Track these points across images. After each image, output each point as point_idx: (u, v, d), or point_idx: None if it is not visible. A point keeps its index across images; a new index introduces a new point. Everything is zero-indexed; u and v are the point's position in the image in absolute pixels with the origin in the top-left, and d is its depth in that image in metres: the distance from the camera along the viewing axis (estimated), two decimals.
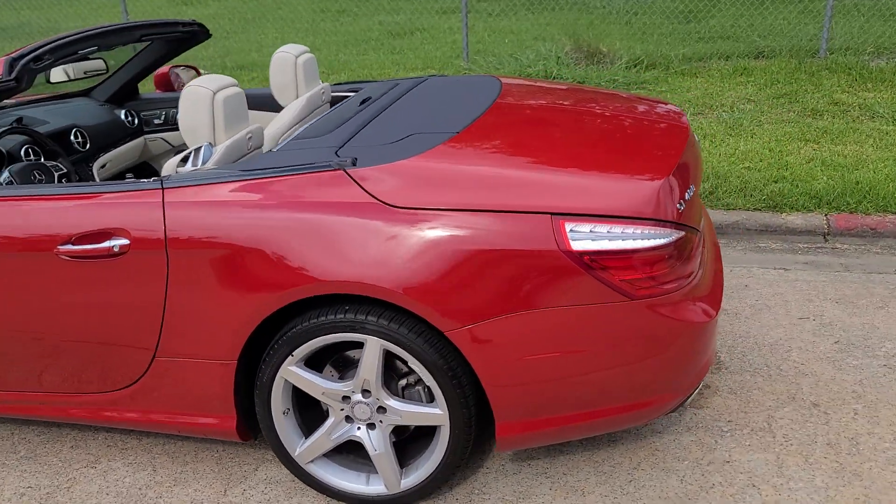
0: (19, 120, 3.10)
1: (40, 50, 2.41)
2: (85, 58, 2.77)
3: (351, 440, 2.24)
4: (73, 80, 3.26)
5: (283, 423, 2.22)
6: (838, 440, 2.46)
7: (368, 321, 2.02)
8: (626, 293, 1.96)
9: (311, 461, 2.26)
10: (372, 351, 2.07)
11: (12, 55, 2.34)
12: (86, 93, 3.66)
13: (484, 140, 2.23)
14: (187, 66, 3.83)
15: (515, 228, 1.94)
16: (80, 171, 3.19)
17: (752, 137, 5.21)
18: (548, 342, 1.98)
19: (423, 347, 2.01)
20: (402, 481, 2.21)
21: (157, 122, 3.68)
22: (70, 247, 2.13)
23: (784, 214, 4.18)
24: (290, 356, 2.11)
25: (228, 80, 2.42)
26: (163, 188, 2.13)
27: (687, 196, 2.16)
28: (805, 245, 4.00)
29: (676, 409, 2.27)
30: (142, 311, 2.15)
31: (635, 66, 6.87)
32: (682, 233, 2.06)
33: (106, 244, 2.11)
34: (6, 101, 3.35)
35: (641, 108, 2.76)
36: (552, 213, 1.95)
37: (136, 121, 3.65)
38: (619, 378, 2.03)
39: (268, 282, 2.02)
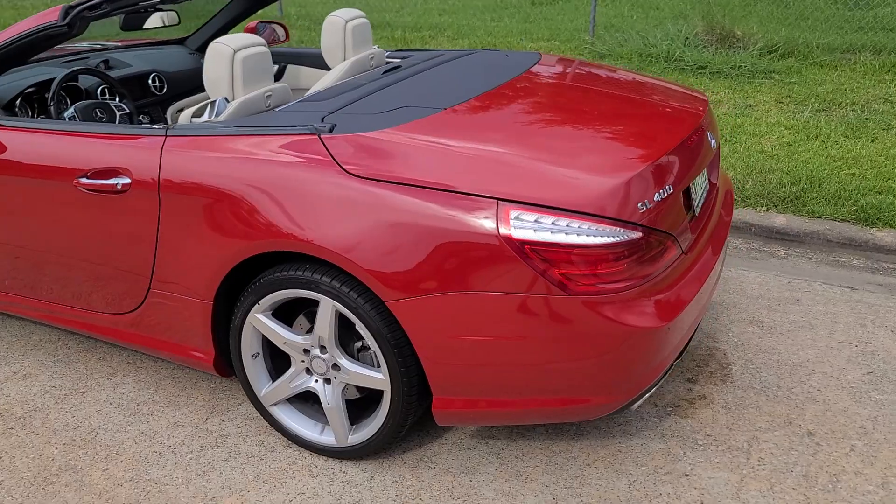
0: (105, 62, 3.44)
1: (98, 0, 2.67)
2: (152, 9, 3.02)
3: (312, 392, 2.38)
4: (167, 26, 3.55)
5: (252, 365, 2.39)
6: (817, 474, 2.30)
7: (322, 281, 2.13)
8: (563, 288, 1.94)
9: (274, 404, 2.42)
10: (325, 310, 2.18)
11: (72, 3, 2.61)
12: (181, 41, 3.98)
13: (466, 119, 2.25)
14: (274, 22, 4.04)
15: (462, 209, 1.97)
16: (154, 113, 3.50)
17: (872, 142, 4.77)
18: (482, 325, 2.00)
19: (370, 314, 2.10)
20: (350, 437, 2.32)
21: None
22: (85, 180, 2.39)
23: (874, 229, 3.84)
24: (257, 304, 2.27)
25: (255, 39, 2.58)
26: (166, 136, 2.32)
27: (662, 194, 2.08)
28: (891, 266, 3.67)
29: (620, 412, 2.21)
30: (139, 245, 2.38)
31: (770, 53, 6.42)
32: (638, 234, 1.99)
33: (112, 181, 2.35)
34: (107, 44, 3.72)
35: (659, 95, 2.64)
36: (499, 199, 1.96)
37: None
38: (552, 371, 2.02)
39: (238, 232, 2.17)
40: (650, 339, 2.01)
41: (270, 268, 2.25)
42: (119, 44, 3.88)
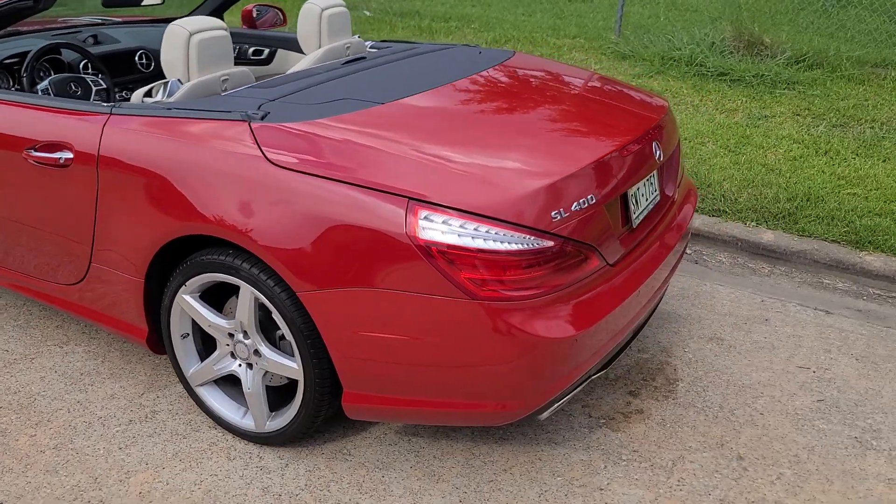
0: (94, 37, 3.51)
1: None
2: None
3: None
4: (160, 4, 3.60)
5: (181, 345, 2.43)
6: (735, 499, 2.25)
7: (242, 268, 2.15)
8: (467, 291, 1.92)
9: (201, 385, 2.45)
10: (245, 296, 2.20)
11: None
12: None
13: (399, 115, 2.24)
14: (272, 6, 4.07)
15: (373, 206, 1.96)
16: (137, 89, 3.55)
17: (883, 161, 4.60)
18: (387, 323, 2.00)
19: (285, 303, 2.11)
20: (268, 423, 2.35)
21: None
22: (34, 152, 2.45)
23: (863, 253, 3.71)
24: (184, 286, 2.30)
25: (215, 22, 2.60)
26: (110, 113, 2.37)
27: (582, 204, 2.04)
28: (877, 292, 3.55)
29: (527, 420, 2.18)
30: (80, 220, 2.43)
31: (797, 63, 6.23)
32: (550, 244, 1.96)
33: (56, 154, 2.40)
34: (106, 19, 3.80)
35: (614, 101, 2.59)
36: (410, 198, 1.95)
37: None
38: (454, 375, 2.01)
39: (167, 213, 2.21)
40: (556, 349, 1.98)
41: (199, 250, 2.28)
42: (118, 20, 3.96)
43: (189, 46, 2.50)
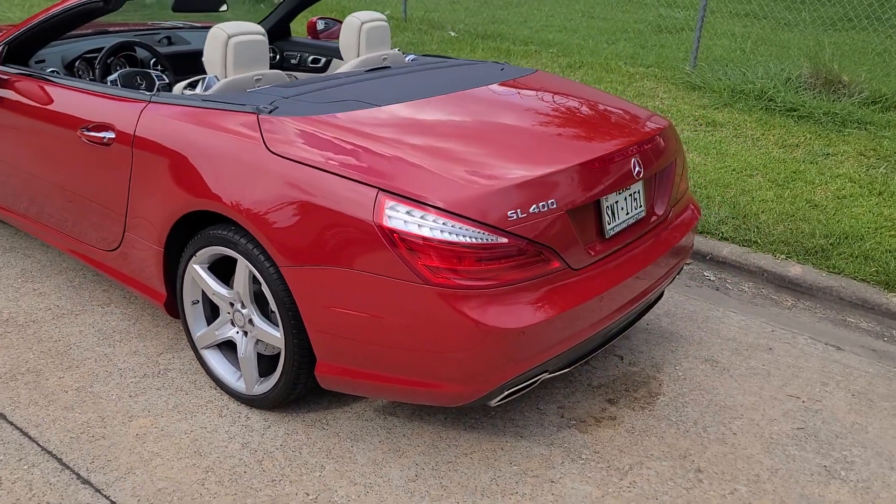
0: (168, 38, 3.92)
1: None
2: None
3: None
4: (225, 10, 3.96)
5: (191, 310, 2.72)
6: None
7: (240, 242, 2.41)
8: (423, 277, 2.11)
9: (205, 347, 2.73)
10: (241, 268, 2.46)
11: None
12: None
13: (389, 117, 2.46)
14: (333, 19, 4.40)
15: (348, 194, 2.18)
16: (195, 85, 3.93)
17: None
18: (353, 301, 2.21)
19: (272, 277, 2.36)
20: (256, 386, 2.59)
21: (293, 61, 4.31)
22: (86, 131, 2.81)
23: (891, 294, 3.64)
24: (195, 256, 2.59)
25: (253, 28, 2.90)
26: (149, 101, 2.70)
27: (542, 208, 2.19)
28: None
29: (478, 404, 2.32)
30: (118, 193, 2.77)
31: (873, 104, 6.07)
32: (504, 240, 2.13)
33: (101, 134, 2.75)
34: (186, 23, 4.22)
35: (607, 118, 2.72)
36: (380, 189, 2.16)
37: (278, 57, 4.32)
38: (410, 354, 2.19)
39: (182, 190, 2.50)
40: (503, 339, 2.12)
41: (209, 226, 2.56)
42: (197, 25, 4.38)
43: (227, 47, 2.81)
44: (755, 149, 5.28)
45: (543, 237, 2.20)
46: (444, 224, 2.09)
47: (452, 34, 8.39)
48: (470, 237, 2.10)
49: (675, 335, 3.29)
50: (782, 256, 3.95)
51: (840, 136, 5.54)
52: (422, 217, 2.10)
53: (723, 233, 4.13)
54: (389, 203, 2.13)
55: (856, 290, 3.69)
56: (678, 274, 3.06)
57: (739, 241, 4.09)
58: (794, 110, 5.94)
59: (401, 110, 2.52)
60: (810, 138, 5.49)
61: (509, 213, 2.14)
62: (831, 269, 3.83)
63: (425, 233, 2.10)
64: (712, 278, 3.91)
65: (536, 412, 2.72)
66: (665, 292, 3.70)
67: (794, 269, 3.86)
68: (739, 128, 5.68)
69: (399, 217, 2.11)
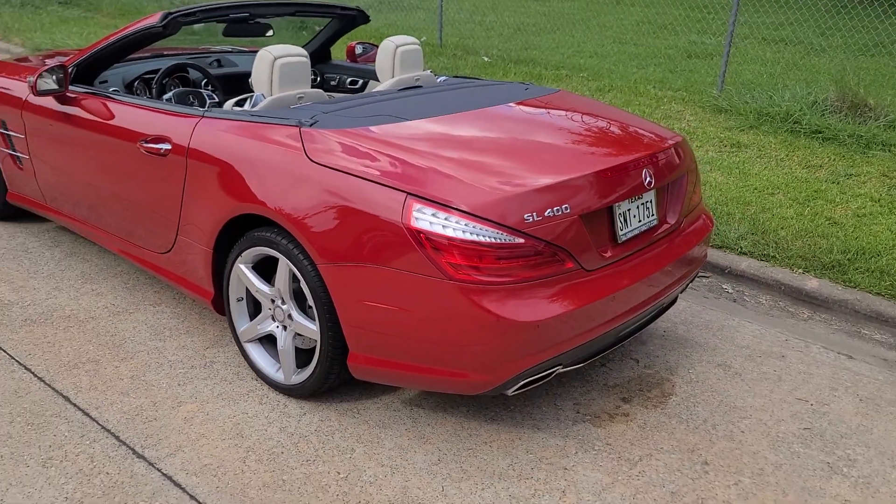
0: (218, 61, 4.23)
1: (194, 9, 3.40)
2: (245, 21, 3.71)
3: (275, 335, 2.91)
4: (271, 35, 4.26)
5: (236, 307, 2.96)
6: (686, 494, 2.47)
7: (281, 243, 2.66)
8: (445, 273, 2.32)
9: (248, 341, 2.97)
10: (282, 267, 2.70)
11: (172, 10, 3.35)
12: None
13: (419, 130, 2.69)
14: (371, 44, 4.67)
15: (379, 198, 2.42)
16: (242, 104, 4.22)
17: None
18: (383, 295, 2.43)
19: (310, 274, 2.59)
20: (293, 377, 2.82)
21: (332, 83, 4.59)
22: (145, 143, 3.10)
23: None
24: (240, 256, 2.84)
25: (297, 51, 3.17)
26: (203, 116, 2.97)
27: (556, 212, 2.40)
28: None
29: (496, 392, 2.50)
30: (172, 199, 3.04)
31: None
32: (521, 240, 2.33)
33: (159, 146, 3.03)
34: (235, 48, 4.54)
35: (623, 132, 2.92)
36: (408, 193, 2.38)
37: (318, 78, 4.61)
38: (434, 343, 2.40)
39: (230, 195, 2.76)
40: (519, 331, 2.32)
41: (253, 228, 2.81)
42: (245, 49, 4.69)
43: (273, 68, 3.08)
44: (778, 169, 5.41)
45: (558, 239, 2.41)
46: (466, 225, 2.31)
47: (486, 59, 8.67)
48: (490, 237, 2.31)
49: (691, 341, 3.45)
50: (800, 270, 4.08)
51: (864, 157, 5.64)
52: (446, 219, 2.32)
53: (742, 248, 4.27)
54: (417, 206, 2.35)
55: (871, 303, 3.81)
56: (692, 281, 3.22)
57: (758, 256, 4.23)
58: (819, 132, 6.06)
59: (428, 124, 2.75)
60: (834, 159, 5.60)
61: (525, 216, 2.35)
62: (847, 283, 3.95)
63: (449, 233, 2.31)
64: (730, 291, 4.06)
65: (553, 407, 2.90)
66: (679, 299, 3.86)
67: (811, 283, 3.99)
68: (764, 149, 5.82)
69: (425, 219, 2.33)
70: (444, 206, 2.34)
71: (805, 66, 8.73)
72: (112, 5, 12.74)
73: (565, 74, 8.05)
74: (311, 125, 2.69)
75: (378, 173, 2.45)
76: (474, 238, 2.31)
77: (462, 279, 2.31)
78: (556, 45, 9.91)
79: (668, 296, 2.90)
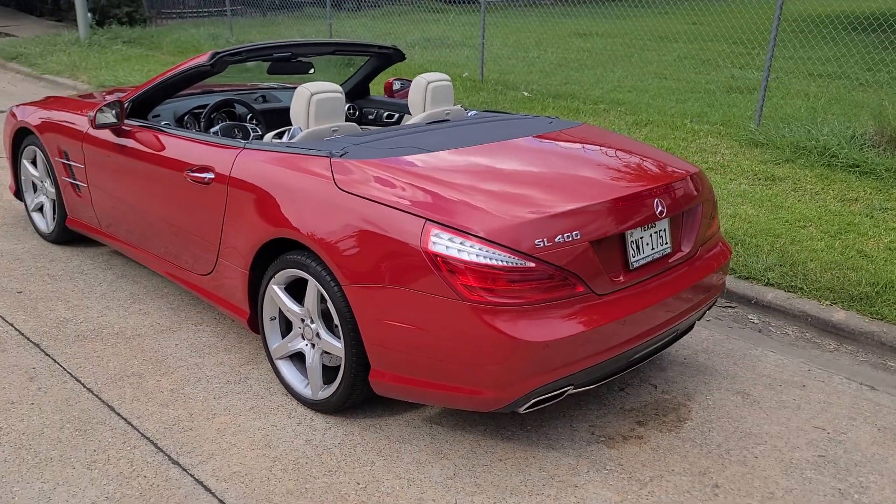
0: (263, 97, 4.49)
1: (240, 48, 3.66)
2: (288, 60, 3.96)
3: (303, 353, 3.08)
4: (312, 73, 4.49)
5: (269, 326, 3.15)
6: None
7: (310, 265, 2.84)
8: (460, 294, 2.47)
9: (279, 358, 3.15)
10: (311, 288, 2.88)
11: (220, 50, 3.61)
12: None
13: (440, 161, 2.87)
14: (406, 79, 4.89)
15: (400, 223, 2.58)
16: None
17: None
18: (402, 314, 2.59)
19: (336, 294, 2.76)
20: (320, 392, 2.98)
21: (370, 117, 4.82)
22: (191, 172, 3.33)
23: None
24: (273, 278, 3.03)
25: (333, 87, 3.39)
26: (244, 147, 3.20)
27: (567, 238, 2.53)
28: None
29: (509, 410, 2.61)
30: (214, 224, 3.26)
31: None
32: (532, 265, 2.47)
33: (204, 175, 3.26)
34: (280, 85, 4.82)
35: (638, 165, 3.04)
36: (427, 219, 2.55)
37: (357, 113, 4.84)
38: (449, 361, 2.54)
39: (266, 220, 2.96)
40: (528, 350, 2.45)
41: (287, 251, 3.00)
42: (289, 85, 4.97)
43: (310, 103, 3.30)
44: (812, 202, 5.43)
45: (568, 264, 2.53)
46: (479, 249, 2.46)
47: (526, 94, 8.86)
48: (502, 261, 2.45)
49: (711, 369, 3.51)
50: (827, 302, 4.11)
51: None
52: (461, 243, 2.47)
53: (769, 279, 4.32)
54: (434, 231, 2.51)
55: None
56: (709, 309, 3.30)
57: (785, 287, 4.26)
58: (857, 166, 6.06)
59: (449, 155, 2.92)
60: (870, 193, 5.60)
61: (537, 241, 2.48)
62: (874, 315, 3.96)
63: (464, 257, 2.46)
64: (756, 321, 4.10)
65: (569, 429, 3.00)
66: (703, 328, 3.92)
67: (838, 315, 4.01)
68: (799, 182, 5.84)
69: (442, 243, 2.49)
70: (460, 231, 2.49)
71: (847, 100, 8.69)
72: (172, 44, 13.37)
73: (603, 109, 8.18)
74: (341, 156, 2.88)
75: (399, 200, 2.62)
76: (487, 262, 2.45)
77: (475, 300, 2.45)
78: (597, 80, 10.05)
79: (682, 322, 2.99)
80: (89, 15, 13.92)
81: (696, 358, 3.62)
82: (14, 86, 10.65)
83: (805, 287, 4.22)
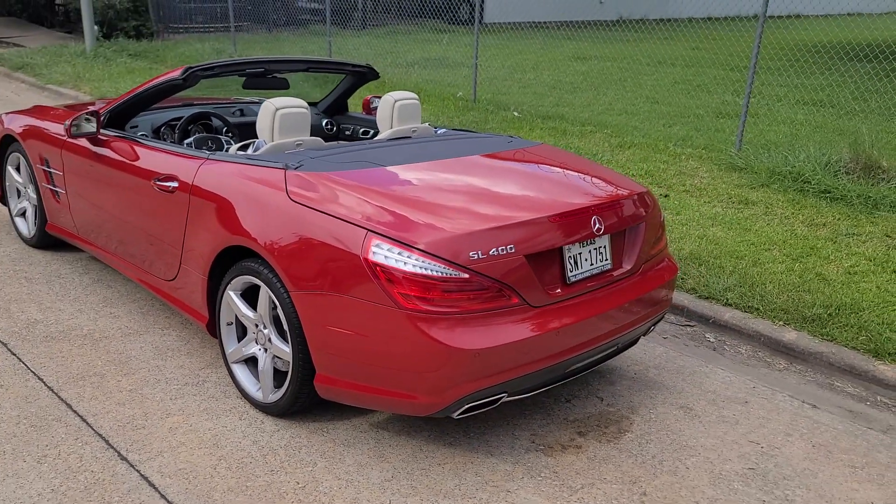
0: (241, 110, 4.64)
1: (214, 64, 3.81)
2: (262, 75, 4.11)
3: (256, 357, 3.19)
4: (287, 89, 4.60)
5: (225, 330, 3.27)
6: None
7: (262, 272, 2.96)
8: (397, 303, 2.59)
9: (235, 362, 3.26)
10: (263, 294, 3.01)
11: (193, 65, 3.76)
12: (314, 104, 5.12)
13: (391, 175, 2.99)
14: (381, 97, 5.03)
15: (344, 234, 2.71)
16: None
17: None
18: (344, 321, 2.70)
19: (285, 301, 2.88)
20: (271, 395, 3.09)
21: (347, 132, 4.96)
22: (158, 182, 3.47)
23: (878, 362, 3.84)
24: (230, 284, 3.15)
25: (298, 102, 3.53)
26: (207, 158, 3.33)
27: (501, 251, 2.65)
28: (884, 400, 3.67)
29: (443, 414, 2.71)
30: (178, 231, 3.39)
31: None
32: (466, 276, 2.59)
33: (168, 184, 3.40)
34: (261, 98, 4.97)
35: (587, 182, 3.17)
36: (369, 230, 2.67)
37: (335, 129, 4.99)
38: (386, 366, 2.65)
39: (222, 227, 3.09)
40: (460, 358, 2.56)
41: (242, 259, 3.13)
42: None
43: (274, 117, 3.43)
44: (780, 226, 5.54)
45: (502, 276, 2.65)
46: (416, 260, 2.58)
47: (516, 114, 9.01)
48: (437, 271, 2.57)
49: (659, 384, 3.61)
50: (780, 323, 4.20)
51: (869, 217, 5.72)
52: (399, 254, 2.59)
53: (727, 299, 4.42)
54: (375, 241, 2.63)
55: (844, 356, 3.90)
56: (654, 324, 3.40)
57: (742, 308, 4.36)
58: (828, 192, 6.17)
59: (401, 170, 3.05)
60: (839, 219, 5.70)
61: (471, 254, 2.60)
62: (825, 337, 4.05)
63: (401, 266, 2.58)
64: (712, 339, 4.20)
65: (510, 437, 3.10)
66: (659, 345, 4.02)
67: (789, 335, 4.10)
68: (771, 206, 5.95)
69: (381, 253, 2.61)
70: (399, 242, 2.61)
71: (831, 128, 8.81)
72: (176, 58, 13.62)
73: (590, 131, 8.32)
74: (296, 168, 3.01)
75: (345, 212, 2.74)
76: (423, 272, 2.57)
77: (410, 308, 2.57)
78: (588, 102, 10.20)
79: (623, 336, 3.09)
80: (96, 27, 14.19)
81: (647, 373, 3.71)
82: (18, 95, 10.88)
83: (761, 308, 4.32)
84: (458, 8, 19.82)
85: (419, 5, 16.19)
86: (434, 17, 17.03)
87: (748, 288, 4.52)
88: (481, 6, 9.78)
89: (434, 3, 15.04)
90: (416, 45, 15.04)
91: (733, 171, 6.85)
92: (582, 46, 16.79)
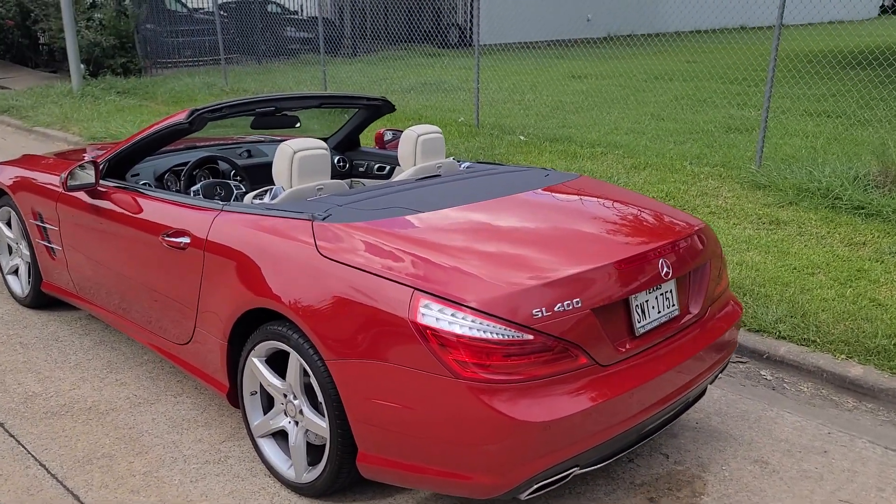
0: (248, 151, 4.33)
1: (221, 105, 3.50)
2: (272, 114, 3.80)
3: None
4: (298, 126, 4.32)
5: (249, 401, 2.93)
6: None
7: (292, 337, 2.63)
8: (452, 371, 2.26)
9: (261, 436, 2.92)
10: (293, 361, 2.67)
11: (198, 107, 3.44)
12: (324, 139, 4.80)
13: (428, 222, 2.68)
14: (397, 130, 4.73)
15: (387, 293, 2.38)
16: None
17: None
18: (390, 392, 2.37)
19: (320, 370, 2.55)
20: (305, 475, 2.75)
21: (360, 169, 4.65)
22: (166, 237, 3.14)
23: None
24: (253, 350, 2.82)
25: (317, 143, 3.21)
26: (221, 210, 3.01)
27: (567, 306, 2.33)
28: None
29: (508, 496, 2.39)
30: (191, 291, 3.06)
31: None
32: (530, 337, 2.26)
33: (179, 239, 3.07)
34: (266, 138, 4.66)
35: (642, 221, 2.86)
36: (416, 289, 2.35)
37: (347, 166, 4.67)
38: (441, 444, 2.31)
39: (244, 288, 2.76)
40: (528, 432, 2.23)
41: (267, 322, 2.79)
42: (277, 138, 4.81)
43: (293, 161, 3.12)
44: (819, 247, 5.24)
45: (569, 334, 2.33)
46: (472, 321, 2.25)
47: (522, 139, 8.74)
48: (497, 334, 2.24)
49: (725, 435, 3.28)
50: (842, 356, 3.89)
51: None
52: (452, 315, 2.27)
53: (780, 331, 4.10)
54: (423, 301, 2.31)
55: None
56: (721, 372, 3.08)
57: (797, 340, 4.05)
58: (862, 208, 5.88)
59: (441, 216, 2.74)
60: (878, 236, 5.41)
61: (534, 311, 2.28)
62: (894, 371, 3.74)
63: (455, 329, 2.26)
64: (769, 377, 3.88)
65: None
66: (714, 387, 3.70)
67: (855, 370, 3.79)
68: (804, 226, 5.66)
69: (432, 314, 2.29)
70: (450, 301, 2.29)
71: (847, 139, 8.57)
72: (166, 93, 13.32)
73: (600, 152, 8.04)
74: (323, 219, 2.69)
75: (385, 268, 2.42)
76: (481, 335, 2.24)
77: (469, 377, 2.24)
78: (593, 122, 9.94)
79: (695, 388, 2.77)
80: (82, 66, 13.89)
81: (709, 422, 3.39)
82: (4, 139, 10.54)
83: (818, 340, 4.01)
84: (448, 31, 19.69)
85: (408, 30, 16.00)
86: (423, 42, 16.84)
87: (800, 318, 4.21)
88: (478, 29, 9.54)
89: (423, 27, 14.84)
90: (409, 70, 14.81)
91: (757, 190, 6.57)
92: (575, 65, 16.60)
